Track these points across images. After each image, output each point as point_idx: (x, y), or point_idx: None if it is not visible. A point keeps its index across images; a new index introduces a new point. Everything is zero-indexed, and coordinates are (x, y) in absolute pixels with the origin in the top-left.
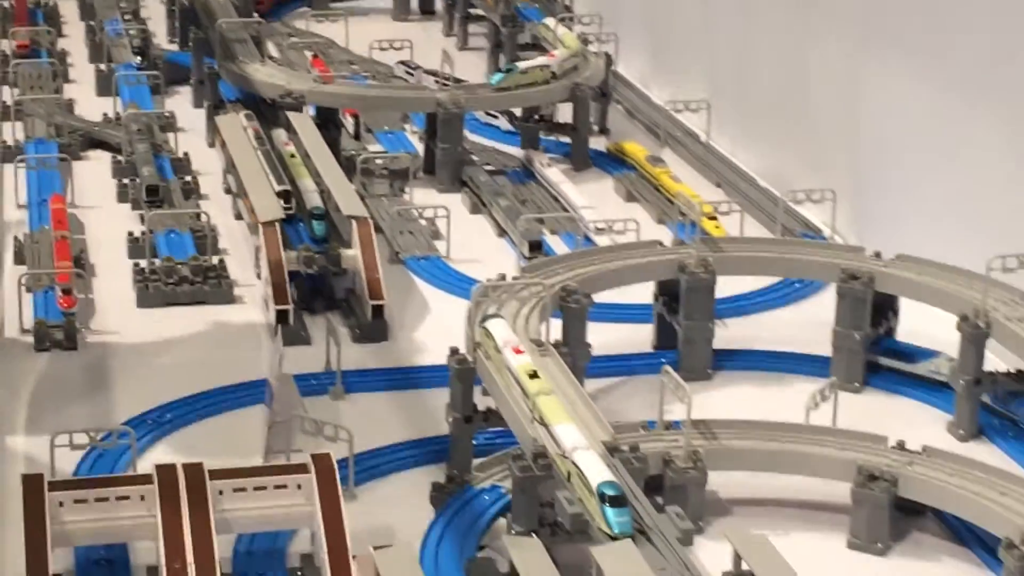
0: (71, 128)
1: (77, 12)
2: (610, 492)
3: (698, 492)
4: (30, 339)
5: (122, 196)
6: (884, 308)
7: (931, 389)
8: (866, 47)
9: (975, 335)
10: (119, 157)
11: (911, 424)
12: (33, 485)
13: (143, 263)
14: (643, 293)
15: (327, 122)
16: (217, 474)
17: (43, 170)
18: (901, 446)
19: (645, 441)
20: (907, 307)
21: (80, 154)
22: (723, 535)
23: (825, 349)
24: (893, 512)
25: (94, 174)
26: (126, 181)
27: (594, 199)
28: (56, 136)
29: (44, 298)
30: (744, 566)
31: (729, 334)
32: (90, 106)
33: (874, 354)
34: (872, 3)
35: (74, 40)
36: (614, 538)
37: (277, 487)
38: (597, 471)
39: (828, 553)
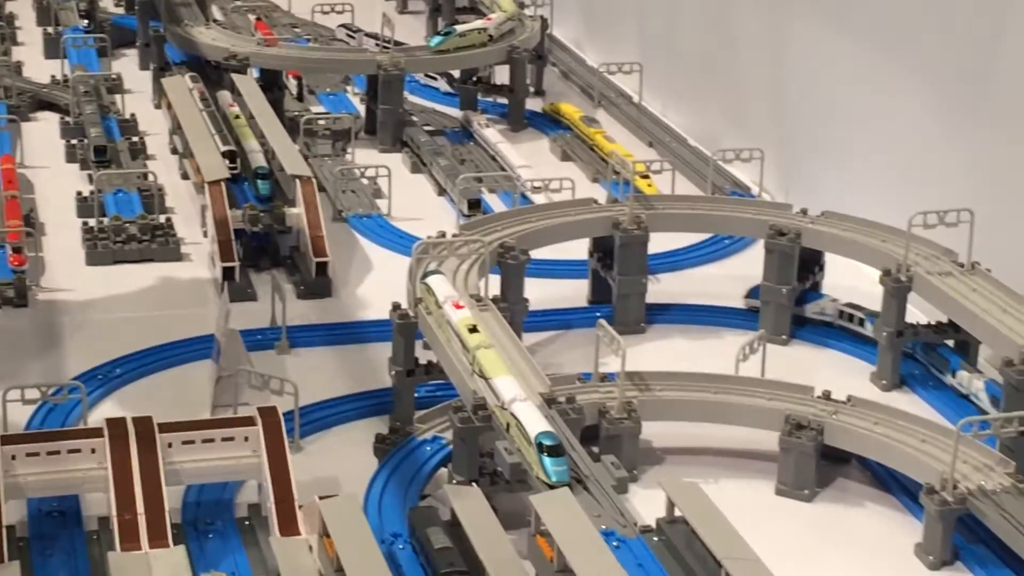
0: (19, 90)
1: None
2: (548, 442)
3: (632, 442)
4: None
5: (70, 156)
6: (810, 263)
7: (856, 341)
8: (790, 10)
9: (897, 289)
10: (67, 118)
11: (836, 375)
12: None
13: (92, 222)
14: (579, 249)
15: (271, 84)
16: (166, 427)
17: None
18: (827, 396)
19: (581, 393)
20: (832, 262)
21: (29, 115)
22: (657, 483)
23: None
24: (819, 460)
25: (43, 135)
26: (74, 142)
27: (531, 158)
28: (5, 98)
29: None
30: (677, 512)
31: (662, 289)
32: (38, 69)
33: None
34: None
35: (22, 4)
36: (552, 486)
37: (225, 439)
38: (535, 422)
39: (757, 499)
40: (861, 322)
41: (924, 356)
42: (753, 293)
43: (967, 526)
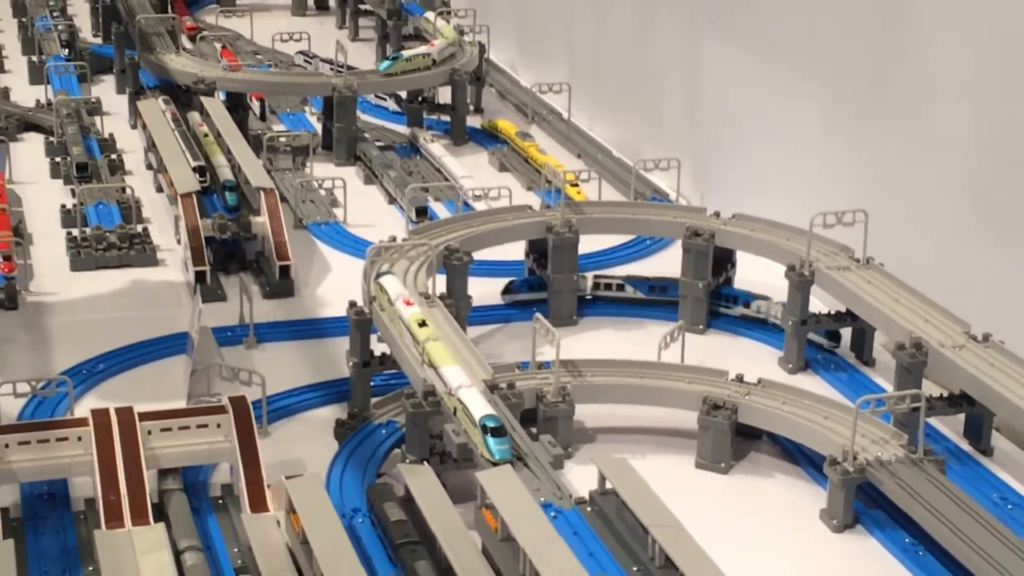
0: (7, 113)
1: (10, 10)
2: (491, 424)
3: (567, 423)
4: None
5: (55, 172)
6: (723, 260)
7: (765, 329)
8: (702, 34)
9: (801, 282)
10: (51, 138)
11: (748, 360)
12: None
13: (75, 232)
14: (516, 251)
15: (236, 105)
16: (146, 416)
17: None
18: (740, 379)
19: (520, 379)
20: (743, 259)
21: (16, 136)
22: (589, 459)
23: (673, 297)
24: (734, 436)
25: (29, 154)
26: (58, 159)
27: (471, 170)
28: None
29: None
30: (608, 485)
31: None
32: (24, 93)
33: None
34: None
35: (8, 35)
36: (495, 464)
37: (199, 426)
38: (479, 406)
39: (679, 472)
40: (620, 287)
41: (724, 302)
42: (513, 288)
43: (866, 493)
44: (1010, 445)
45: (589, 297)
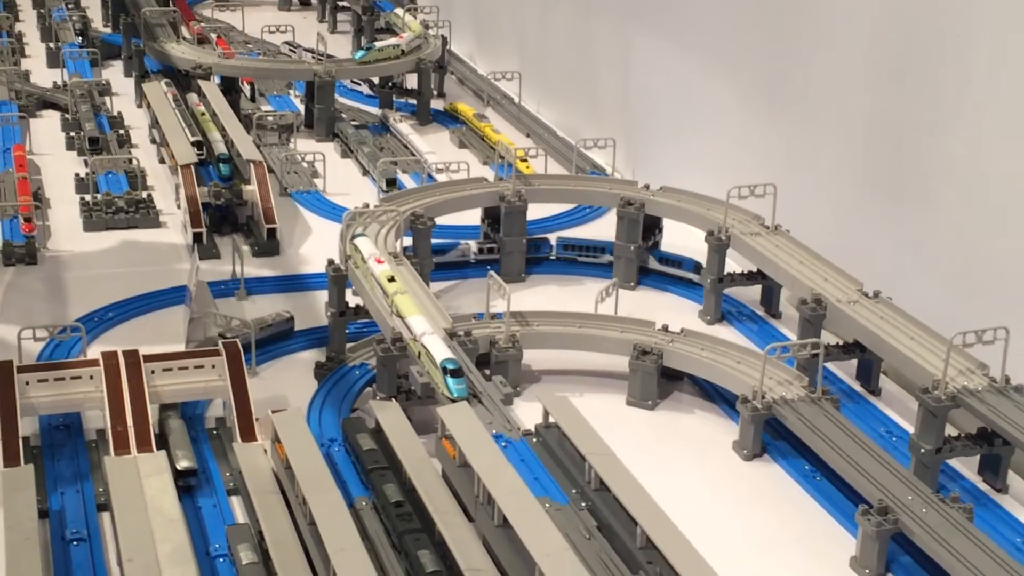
0: (27, 93)
1: (30, 2)
2: (450, 366)
3: (516, 366)
4: None
5: (70, 145)
6: (652, 227)
7: (687, 286)
8: (634, 29)
9: (718, 246)
10: (66, 115)
11: (672, 313)
12: (4, 369)
13: (88, 197)
14: (472, 217)
15: (229, 88)
16: (150, 358)
17: (6, 126)
18: (665, 329)
19: (476, 328)
20: (669, 225)
21: (35, 113)
22: (535, 397)
23: (608, 258)
24: (659, 378)
25: (47, 129)
26: (72, 134)
27: (434, 146)
28: (16, 99)
29: (10, 225)
30: (551, 420)
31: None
32: (42, 76)
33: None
34: None
35: (28, 24)
36: (454, 401)
37: (196, 367)
38: (440, 351)
39: (612, 409)
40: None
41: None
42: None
43: (772, 427)
44: (895, 387)
45: (553, 258)
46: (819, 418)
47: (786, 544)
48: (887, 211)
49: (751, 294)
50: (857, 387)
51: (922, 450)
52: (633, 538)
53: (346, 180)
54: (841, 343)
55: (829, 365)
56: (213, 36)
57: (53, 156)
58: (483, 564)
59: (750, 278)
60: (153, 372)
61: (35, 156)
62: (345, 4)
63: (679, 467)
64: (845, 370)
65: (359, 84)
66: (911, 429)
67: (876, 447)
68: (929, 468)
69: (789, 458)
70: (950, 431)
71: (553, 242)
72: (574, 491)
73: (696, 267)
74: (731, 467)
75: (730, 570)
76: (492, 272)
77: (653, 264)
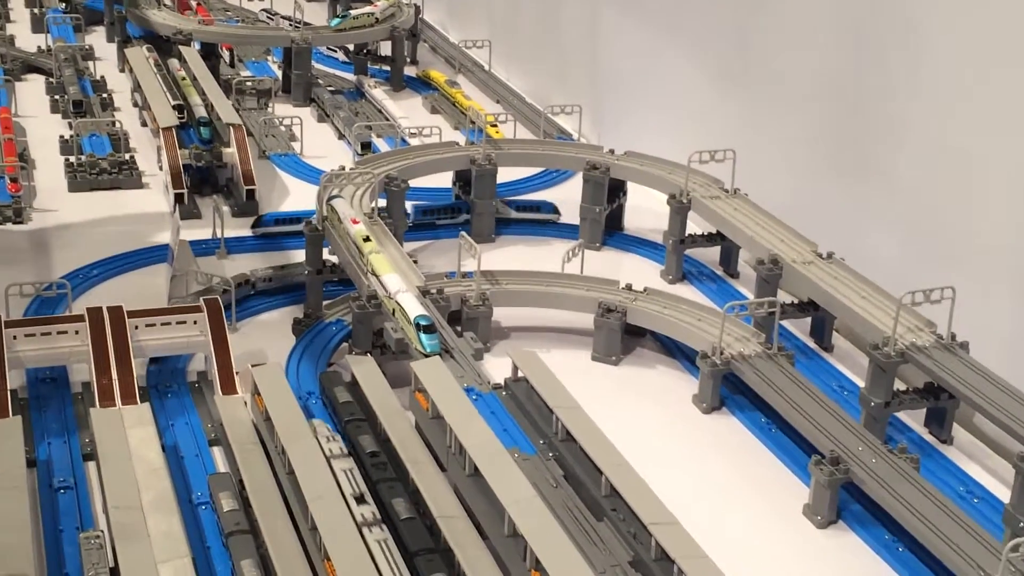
0: (12, 57)
1: None
2: (424, 322)
3: (486, 322)
4: None
5: (54, 108)
6: (616, 190)
7: (651, 247)
8: (599, 0)
9: (679, 208)
10: (51, 79)
11: (636, 272)
12: None
13: (72, 159)
14: (444, 179)
15: (209, 54)
16: (133, 314)
17: None
18: (629, 288)
19: (448, 286)
20: (633, 189)
21: (20, 77)
22: (504, 352)
23: (575, 219)
24: (623, 334)
25: (32, 92)
26: (57, 97)
27: (408, 111)
28: (1, 63)
29: None
30: (519, 374)
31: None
32: (27, 40)
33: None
34: None
35: None
36: (427, 355)
37: (179, 323)
38: (414, 308)
39: (577, 364)
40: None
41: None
42: (259, 222)
43: (730, 381)
44: (847, 343)
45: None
46: (775, 373)
47: (742, 492)
48: (841, 176)
49: (711, 255)
50: (811, 344)
51: (872, 403)
52: (598, 486)
53: (322, 143)
54: (796, 302)
55: (784, 323)
56: (194, 3)
57: (38, 119)
58: (455, 511)
59: (710, 239)
60: (137, 327)
61: (20, 119)
62: None
63: (641, 419)
64: (800, 327)
65: (335, 51)
66: (862, 384)
67: (828, 400)
68: (878, 420)
69: (746, 411)
70: (899, 386)
71: (410, 210)
72: (541, 442)
73: (553, 208)
74: (691, 419)
75: (690, 517)
76: (463, 233)
77: (513, 214)
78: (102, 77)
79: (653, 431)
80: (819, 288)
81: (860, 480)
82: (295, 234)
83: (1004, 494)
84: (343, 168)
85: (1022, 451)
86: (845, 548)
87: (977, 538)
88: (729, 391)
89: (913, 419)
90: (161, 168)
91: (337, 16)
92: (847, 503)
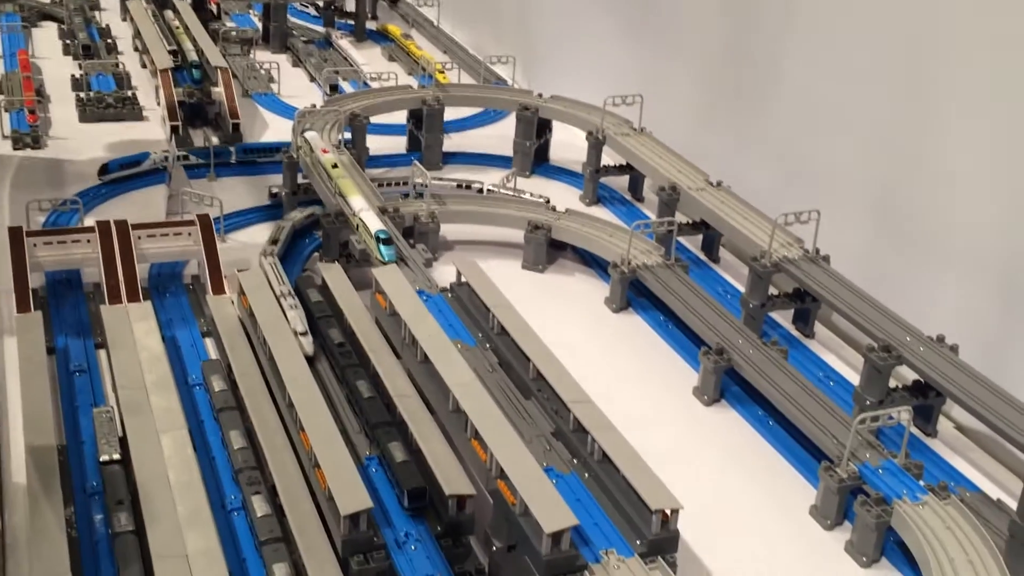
0: (30, 6)
1: None
2: (383, 236)
3: (435, 236)
4: (9, 143)
5: (66, 51)
6: (543, 127)
7: (572, 175)
8: None
9: (595, 144)
10: (63, 26)
11: (560, 196)
12: (16, 234)
13: (82, 95)
14: (399, 117)
15: (199, 7)
16: (136, 227)
17: (12, 33)
18: (553, 208)
19: (403, 206)
20: (557, 127)
21: (36, 23)
22: (450, 262)
23: (509, 151)
24: (548, 247)
25: (46, 37)
26: (68, 42)
27: (369, 59)
28: (19, 11)
29: (17, 116)
30: (462, 279)
31: (453, 143)
32: None
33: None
34: None
35: None
36: (385, 263)
37: (175, 234)
38: (375, 223)
39: (510, 272)
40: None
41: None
42: (105, 168)
43: (635, 287)
44: (731, 256)
45: (233, 162)
46: (672, 280)
47: (642, 378)
48: (730, 118)
49: (621, 182)
50: (702, 256)
51: (750, 305)
52: (526, 372)
53: (297, 85)
54: (690, 221)
55: (681, 239)
56: None
57: (52, 60)
58: (408, 391)
59: (621, 170)
60: (139, 238)
61: (37, 59)
62: None
63: (562, 318)
64: (693, 243)
65: (307, 7)
66: (742, 288)
67: (715, 302)
68: (755, 319)
69: (648, 311)
70: (772, 290)
71: (232, 149)
72: (480, 335)
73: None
74: (602, 318)
75: (600, 397)
76: (416, 162)
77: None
78: (107, 25)
79: (571, 327)
80: (710, 210)
81: (739, 367)
82: (273, 162)
83: (854, 378)
84: (314, 106)
85: (870, 343)
86: (727, 422)
87: (832, 414)
88: (634, 294)
89: (783, 318)
90: (159, 104)
91: None
92: (728, 385)
